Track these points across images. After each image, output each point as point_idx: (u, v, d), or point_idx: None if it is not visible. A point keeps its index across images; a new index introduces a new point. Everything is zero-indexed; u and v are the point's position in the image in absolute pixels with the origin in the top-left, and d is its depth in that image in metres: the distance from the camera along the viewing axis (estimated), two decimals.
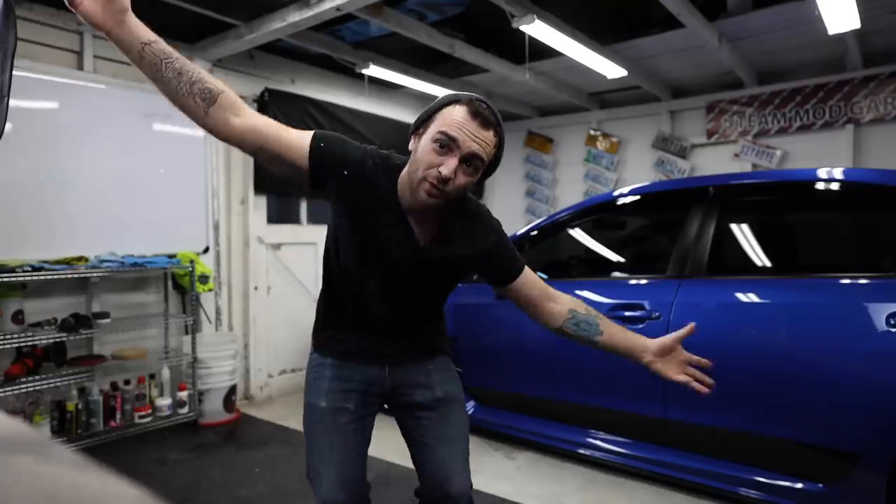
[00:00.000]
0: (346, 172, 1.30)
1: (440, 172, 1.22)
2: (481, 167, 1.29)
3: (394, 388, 1.52)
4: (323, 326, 1.53)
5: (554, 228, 3.17)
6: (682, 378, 1.43)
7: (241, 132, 1.21)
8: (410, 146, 1.33)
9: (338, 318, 1.50)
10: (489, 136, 1.26)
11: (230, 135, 1.21)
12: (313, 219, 4.72)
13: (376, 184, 1.33)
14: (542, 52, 3.90)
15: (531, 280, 1.48)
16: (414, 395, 1.51)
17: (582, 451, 2.87)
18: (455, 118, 1.24)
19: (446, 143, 1.23)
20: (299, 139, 1.27)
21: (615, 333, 1.48)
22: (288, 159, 1.26)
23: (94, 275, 3.25)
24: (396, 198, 1.34)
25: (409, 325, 1.50)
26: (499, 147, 1.31)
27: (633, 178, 5.31)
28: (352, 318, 1.47)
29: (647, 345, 1.46)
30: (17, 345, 2.92)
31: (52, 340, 3.01)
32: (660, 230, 3.37)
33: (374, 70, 4.16)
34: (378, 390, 1.50)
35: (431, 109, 1.30)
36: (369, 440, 1.52)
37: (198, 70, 1.18)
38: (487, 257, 1.45)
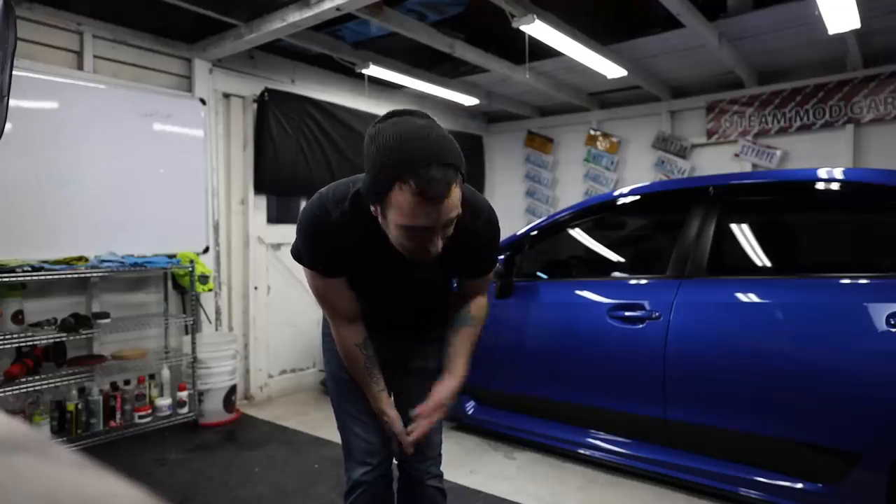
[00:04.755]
0: (338, 255, 1.37)
1: (429, 251, 1.20)
2: (456, 217, 1.21)
3: (397, 355, 1.65)
4: None
5: (554, 228, 3.17)
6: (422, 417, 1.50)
7: (343, 316, 1.50)
8: (373, 212, 1.23)
9: None
10: (450, 199, 1.15)
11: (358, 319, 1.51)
12: None
13: (357, 238, 1.34)
14: (542, 52, 3.90)
15: (479, 282, 1.58)
16: (411, 362, 1.66)
17: (582, 451, 2.87)
18: (410, 209, 1.13)
19: (415, 232, 1.17)
20: (310, 279, 1.46)
21: (456, 345, 1.56)
22: (336, 288, 1.44)
23: (94, 275, 3.25)
24: (378, 233, 1.30)
25: (416, 314, 1.62)
26: (462, 181, 1.19)
27: (633, 178, 5.30)
28: (365, 308, 1.56)
29: (449, 374, 1.54)
30: (17, 345, 2.92)
31: (52, 340, 3.01)
32: (660, 230, 3.37)
33: (374, 70, 4.16)
34: (389, 356, 1.62)
35: (380, 189, 1.15)
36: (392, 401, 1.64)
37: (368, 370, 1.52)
38: (465, 262, 1.51)
